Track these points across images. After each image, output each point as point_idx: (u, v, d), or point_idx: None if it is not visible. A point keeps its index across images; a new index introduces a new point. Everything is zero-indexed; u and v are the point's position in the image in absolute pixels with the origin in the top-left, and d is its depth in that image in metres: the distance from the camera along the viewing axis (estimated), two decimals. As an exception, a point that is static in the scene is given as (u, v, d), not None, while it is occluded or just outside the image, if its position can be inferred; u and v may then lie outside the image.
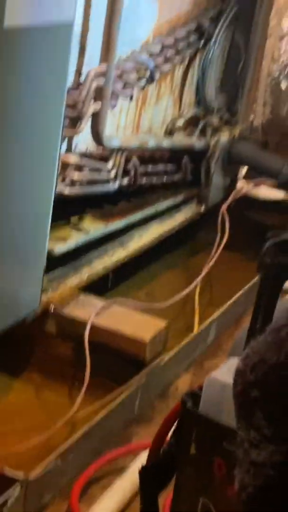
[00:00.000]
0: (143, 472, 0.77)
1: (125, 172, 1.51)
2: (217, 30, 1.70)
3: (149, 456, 0.79)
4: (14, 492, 0.91)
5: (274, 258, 0.81)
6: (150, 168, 1.64)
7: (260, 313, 0.80)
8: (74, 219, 1.44)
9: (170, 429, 0.79)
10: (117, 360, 1.28)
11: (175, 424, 0.78)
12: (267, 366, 0.45)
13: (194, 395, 0.75)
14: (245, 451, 0.45)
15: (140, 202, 1.62)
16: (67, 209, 1.41)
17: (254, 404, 0.46)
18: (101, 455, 1.10)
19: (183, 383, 1.34)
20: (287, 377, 0.44)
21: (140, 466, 0.79)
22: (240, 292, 1.60)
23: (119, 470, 1.08)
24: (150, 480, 0.78)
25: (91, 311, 1.29)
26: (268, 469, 0.44)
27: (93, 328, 1.26)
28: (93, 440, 1.09)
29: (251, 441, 0.45)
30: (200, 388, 0.76)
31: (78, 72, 1.31)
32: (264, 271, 0.81)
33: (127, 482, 1.03)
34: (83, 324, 1.26)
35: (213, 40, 1.71)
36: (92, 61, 1.33)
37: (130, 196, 1.63)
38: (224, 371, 0.71)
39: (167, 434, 0.79)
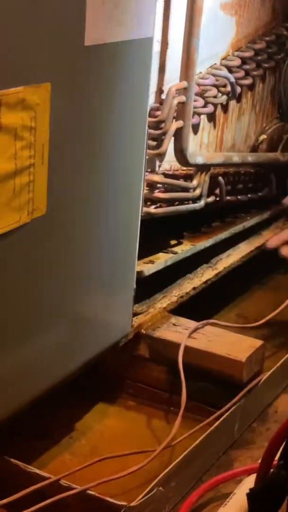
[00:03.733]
0: (252, 495, 0.73)
1: (211, 190, 1.49)
2: (297, 40, 1.67)
3: (257, 478, 0.75)
4: (117, 520, 0.89)
5: None
6: (235, 184, 1.62)
7: None
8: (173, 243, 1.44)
9: (278, 450, 0.75)
10: (213, 382, 1.24)
11: (284, 445, 0.74)
12: None
13: (303, 413, 0.71)
14: None
15: (227, 220, 1.59)
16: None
17: None
18: (202, 481, 1.06)
19: (283, 404, 1.29)
20: None
21: (248, 490, 0.75)
22: None
23: (222, 497, 1.03)
24: (260, 503, 0.73)
25: (184, 333, 1.26)
26: None
27: (187, 350, 1.23)
28: (194, 466, 1.05)
29: None
30: (309, 405, 0.71)
31: (159, 91, 1.30)
32: None
33: (232, 509, 0.98)
34: (176, 347, 1.23)
35: (293, 50, 1.67)
36: (172, 80, 1.32)
37: (217, 215, 1.61)
38: None
39: (275, 455, 0.75)
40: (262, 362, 1.28)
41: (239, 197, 1.66)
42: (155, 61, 1.23)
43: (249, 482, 0.99)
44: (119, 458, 1.08)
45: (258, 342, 1.27)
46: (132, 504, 0.90)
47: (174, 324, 1.31)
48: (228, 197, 1.59)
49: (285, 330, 1.50)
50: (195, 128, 1.43)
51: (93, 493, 0.94)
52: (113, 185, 1.09)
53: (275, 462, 0.76)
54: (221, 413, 1.16)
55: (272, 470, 0.75)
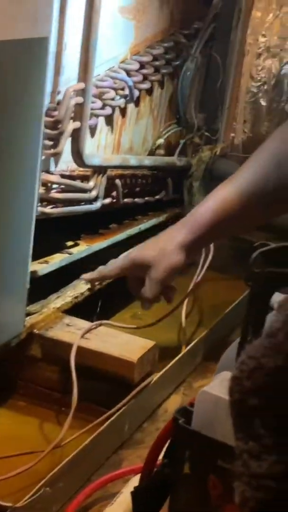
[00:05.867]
0: (136, 494, 0.74)
1: (107, 192, 1.50)
2: (194, 48, 1.70)
3: (141, 477, 0.76)
4: (2, 522, 0.88)
5: (262, 267, 0.79)
6: (132, 187, 1.64)
7: (251, 324, 0.78)
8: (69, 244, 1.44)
9: (162, 448, 0.76)
10: (105, 383, 1.25)
11: (168, 443, 0.75)
12: (265, 372, 0.43)
13: (186, 412, 0.72)
14: (245, 463, 0.43)
15: (125, 222, 1.60)
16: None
17: (253, 413, 0.43)
18: (91, 481, 1.07)
19: (173, 405, 1.31)
20: (287, 382, 0.42)
21: (132, 489, 0.76)
22: (227, 311, 1.58)
23: (110, 496, 1.04)
24: (144, 502, 0.75)
25: (77, 333, 1.27)
26: (270, 480, 0.41)
27: (79, 351, 1.23)
28: (82, 466, 1.06)
29: (251, 452, 0.42)
30: (192, 404, 0.73)
31: (55, 92, 1.30)
32: (252, 282, 0.79)
33: (119, 508, 0.99)
34: (69, 347, 1.23)
35: (191, 58, 1.70)
36: (69, 81, 1.32)
37: (114, 216, 1.62)
38: (216, 385, 0.69)
39: (159, 454, 0.77)
40: (154, 362, 1.30)
41: (136, 199, 1.68)
42: (51, 62, 1.23)
43: (135, 481, 1.00)
44: (8, 459, 1.07)
45: (150, 343, 1.28)
46: (18, 505, 0.90)
47: (68, 325, 1.31)
48: (125, 199, 1.61)
49: (177, 332, 1.53)
50: (93, 129, 1.44)
51: (-22, 494, 0.93)
52: (6, 183, 1.08)
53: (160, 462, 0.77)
54: (112, 413, 1.16)
55: (156, 469, 0.77)
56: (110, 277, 1.39)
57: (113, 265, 1.34)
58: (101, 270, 1.37)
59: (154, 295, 1.30)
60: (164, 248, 1.27)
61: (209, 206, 1.26)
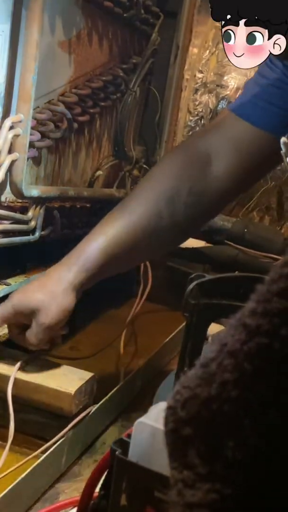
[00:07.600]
0: (73, 527, 0.74)
1: (46, 223, 1.50)
2: (133, 82, 1.73)
3: (78, 510, 0.76)
4: None
5: (198, 299, 0.81)
6: (72, 218, 1.64)
7: (187, 355, 0.79)
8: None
9: (99, 481, 0.76)
10: (43, 415, 1.24)
11: (105, 475, 0.75)
12: (199, 402, 0.44)
13: (123, 443, 0.72)
14: (179, 493, 0.43)
15: (62, 254, 1.60)
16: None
17: (187, 442, 0.44)
18: (27, 515, 1.06)
19: (110, 436, 1.31)
20: (220, 411, 0.42)
21: (69, 522, 0.76)
22: (164, 342, 1.59)
23: (47, 530, 1.03)
24: (80, 535, 0.74)
25: (14, 365, 1.26)
26: (205, 509, 0.42)
27: (16, 382, 1.22)
28: (19, 500, 1.04)
29: (185, 481, 0.43)
30: (129, 435, 0.73)
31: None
32: (189, 313, 0.80)
33: None
34: (5, 379, 1.22)
35: (129, 91, 1.73)
36: (9, 112, 1.32)
37: (52, 247, 1.62)
38: (153, 415, 0.69)
39: (96, 486, 0.77)
40: (92, 394, 1.29)
41: (76, 231, 1.68)
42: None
43: (73, 513, 0.99)
44: None
45: (88, 374, 1.28)
46: None
47: (5, 356, 1.30)
48: (64, 231, 1.61)
49: (116, 363, 1.53)
50: (32, 161, 1.44)
51: None
52: None
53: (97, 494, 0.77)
54: (49, 445, 1.16)
55: (93, 501, 0.77)
56: None
57: None
58: None
59: (43, 342, 1.23)
60: (53, 290, 1.19)
61: (100, 243, 1.22)
